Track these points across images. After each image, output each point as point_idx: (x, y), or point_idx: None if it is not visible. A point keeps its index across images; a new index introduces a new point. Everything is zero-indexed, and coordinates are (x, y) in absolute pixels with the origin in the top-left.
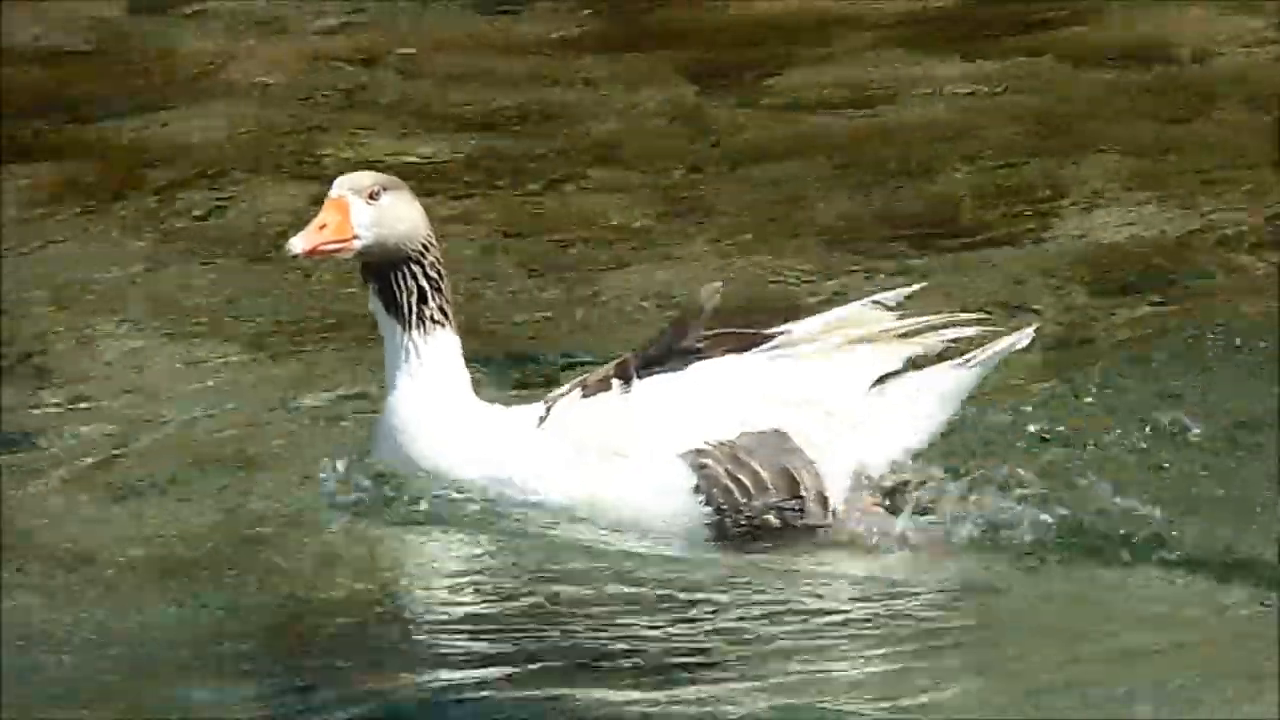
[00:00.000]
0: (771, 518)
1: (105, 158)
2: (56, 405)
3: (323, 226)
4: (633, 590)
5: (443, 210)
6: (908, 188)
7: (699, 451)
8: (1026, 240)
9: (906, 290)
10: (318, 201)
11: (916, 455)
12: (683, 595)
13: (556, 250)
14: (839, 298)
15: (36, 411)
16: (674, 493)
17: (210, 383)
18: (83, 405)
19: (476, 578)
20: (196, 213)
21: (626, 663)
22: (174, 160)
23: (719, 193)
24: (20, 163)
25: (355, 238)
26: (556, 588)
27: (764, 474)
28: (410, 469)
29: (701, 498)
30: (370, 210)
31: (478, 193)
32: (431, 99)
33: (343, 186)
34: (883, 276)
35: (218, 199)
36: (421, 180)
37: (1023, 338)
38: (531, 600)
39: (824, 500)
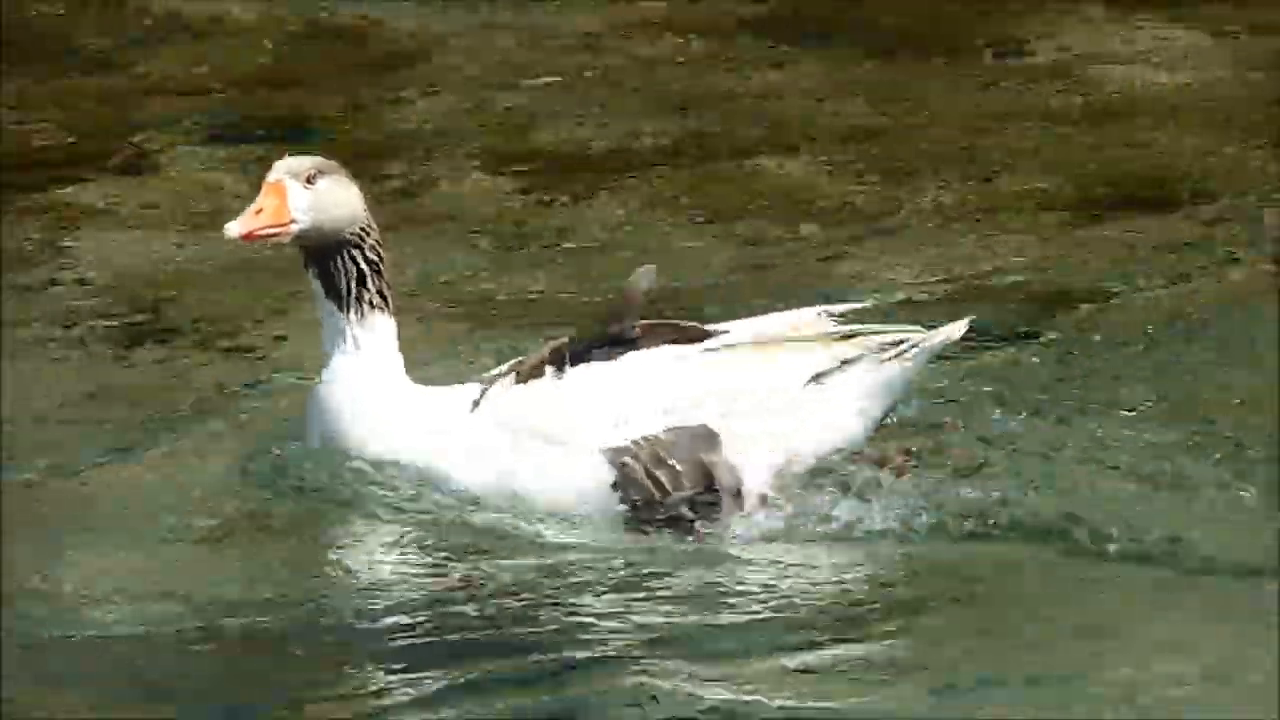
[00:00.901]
0: (686, 512)
1: (332, 138)
2: (261, 379)
3: (259, 211)
4: (564, 577)
5: (647, 192)
6: (1122, 159)
7: (620, 449)
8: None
9: (856, 305)
10: (524, 184)
11: (852, 447)
12: (618, 581)
13: (766, 231)
14: (1049, 272)
15: (237, 386)
16: (593, 487)
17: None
18: (275, 379)
19: (407, 564)
20: (406, 191)
21: (559, 653)
22: (389, 141)
23: (928, 168)
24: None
25: (293, 222)
26: (487, 573)
27: (682, 470)
28: (342, 451)
29: (619, 494)
30: (307, 194)
31: (684, 174)
32: (636, 81)
33: (280, 170)
34: (1089, 251)
35: (429, 179)
36: (629, 162)
37: (956, 329)
38: (461, 587)
39: (740, 496)
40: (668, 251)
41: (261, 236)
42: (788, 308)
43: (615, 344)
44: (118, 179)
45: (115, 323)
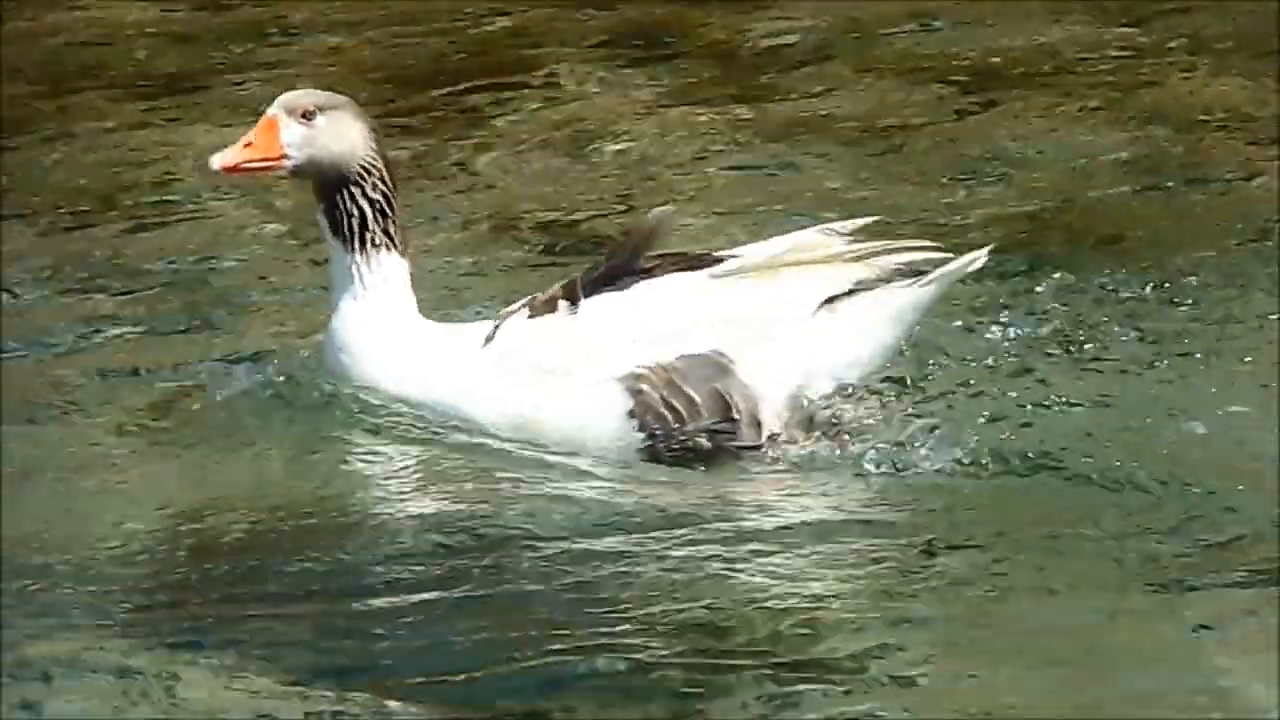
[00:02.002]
0: (704, 442)
1: (711, 51)
2: None
3: (248, 145)
4: (577, 513)
5: (1060, 102)
6: None
7: (636, 376)
8: None
9: (861, 221)
10: (911, 95)
11: (867, 375)
12: (635, 517)
13: (1188, 145)
14: None
15: None
16: (609, 417)
17: None
18: None
19: (416, 496)
20: (792, 102)
21: (561, 590)
22: (777, 53)
23: None
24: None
25: (284, 157)
26: (496, 509)
27: (698, 399)
28: (355, 387)
29: (635, 423)
30: (302, 130)
31: (1099, 83)
32: None
33: (276, 105)
34: None
35: (819, 90)
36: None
37: (976, 259)
38: (468, 522)
39: (758, 424)
40: (1070, 161)
41: (249, 170)
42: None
43: (627, 275)
44: (514, 95)
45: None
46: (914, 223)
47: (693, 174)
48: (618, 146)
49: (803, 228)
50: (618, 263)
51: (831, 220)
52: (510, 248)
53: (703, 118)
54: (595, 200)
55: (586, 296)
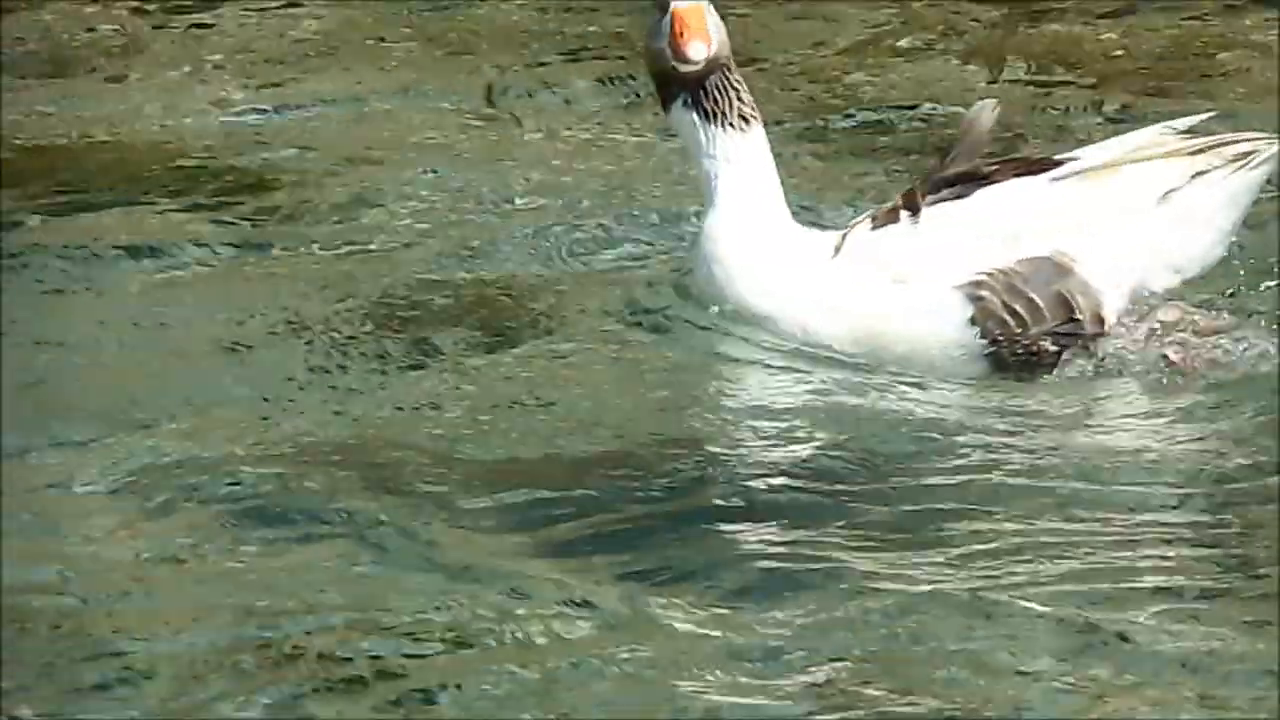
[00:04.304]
0: (1048, 344)
1: None
2: None
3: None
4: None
5: None
6: None
7: (976, 283)
8: None
9: (1200, 116)
10: None
11: (1207, 265)
12: (985, 441)
13: None
14: None
15: None
16: (951, 325)
17: None
18: None
19: (771, 416)
20: None
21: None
22: None
23: None
24: None
25: (710, 43)
26: (841, 434)
27: (1040, 302)
28: (717, 298)
29: (977, 330)
30: (713, 16)
31: None
32: None
33: None
34: None
35: None
36: None
37: None
38: (818, 445)
39: (1101, 322)
40: None
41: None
42: None
43: (966, 181)
44: None
45: None
46: None
47: None
48: None
49: None
50: (957, 170)
51: None
52: None
53: None
54: None
55: (927, 205)
